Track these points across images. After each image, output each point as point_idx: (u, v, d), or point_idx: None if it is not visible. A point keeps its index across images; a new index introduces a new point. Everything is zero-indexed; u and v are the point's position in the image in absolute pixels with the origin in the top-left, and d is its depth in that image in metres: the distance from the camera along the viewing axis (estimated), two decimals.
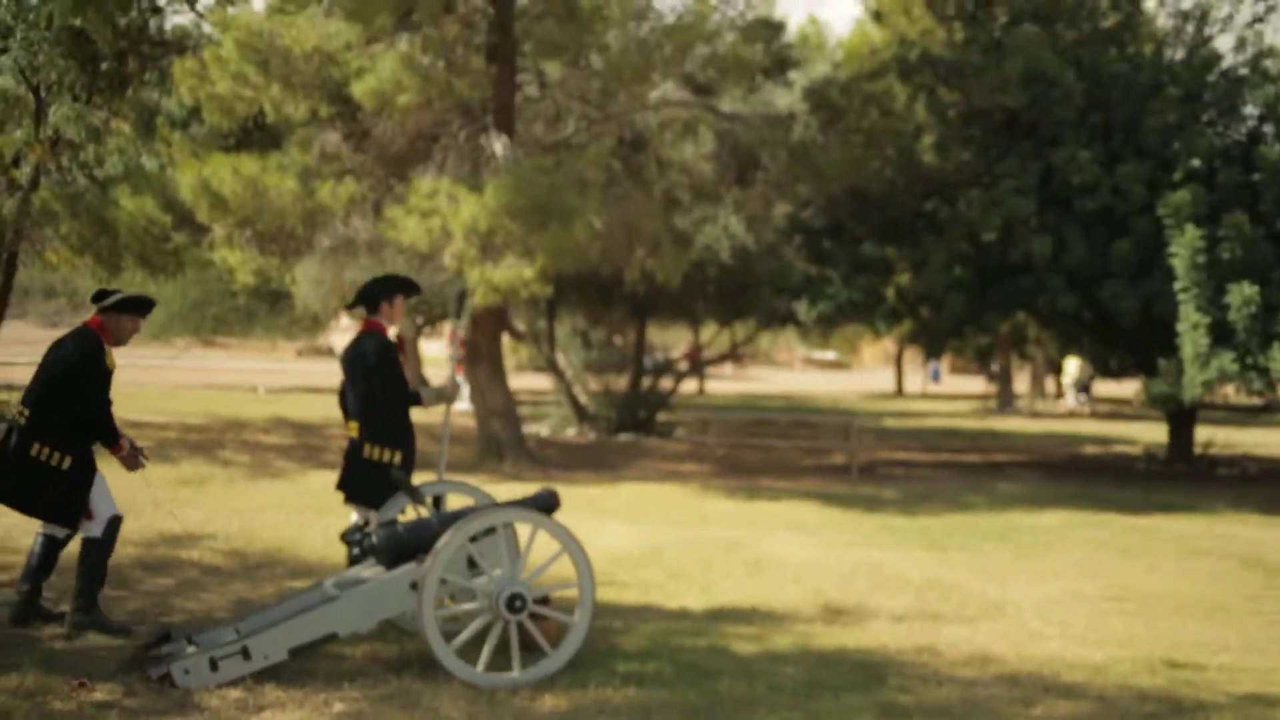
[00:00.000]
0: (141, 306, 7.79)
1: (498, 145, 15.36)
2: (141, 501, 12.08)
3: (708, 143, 19.05)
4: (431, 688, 6.33)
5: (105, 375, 7.51)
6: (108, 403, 7.51)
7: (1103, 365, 23.12)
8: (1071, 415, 35.83)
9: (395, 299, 8.08)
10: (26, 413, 7.41)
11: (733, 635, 7.85)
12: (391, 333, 8.31)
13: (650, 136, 19.03)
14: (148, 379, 31.76)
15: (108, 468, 7.81)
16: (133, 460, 7.72)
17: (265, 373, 41.86)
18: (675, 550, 10.89)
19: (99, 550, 7.48)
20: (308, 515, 11.94)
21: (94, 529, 7.51)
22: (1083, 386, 37.90)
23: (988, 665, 7.30)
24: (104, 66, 17.08)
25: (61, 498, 7.39)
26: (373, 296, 8.05)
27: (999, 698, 6.64)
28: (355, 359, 7.98)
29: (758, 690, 6.59)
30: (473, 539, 6.60)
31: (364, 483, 7.85)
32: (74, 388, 7.41)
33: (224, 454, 17.22)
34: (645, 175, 19.08)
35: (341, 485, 8.11)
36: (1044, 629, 8.35)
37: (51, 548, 7.54)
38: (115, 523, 7.57)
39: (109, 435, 7.52)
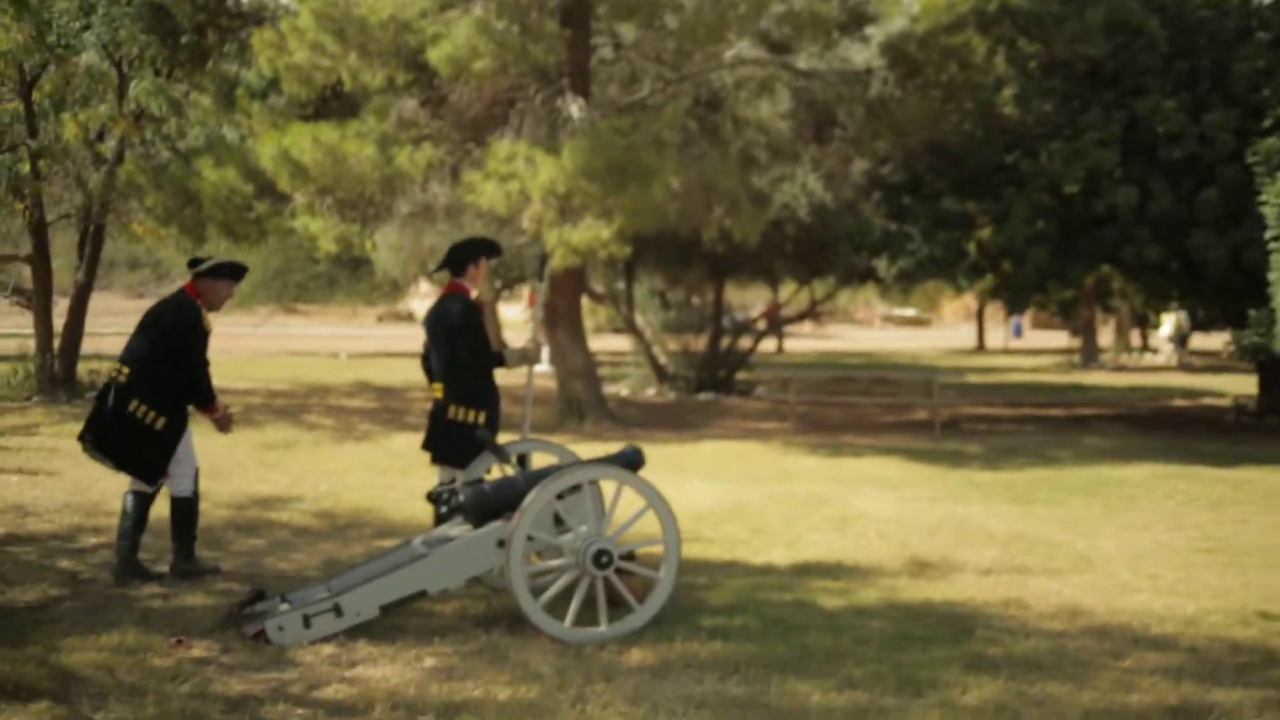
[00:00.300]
0: (236, 272, 8.03)
1: (574, 108, 15.34)
2: (230, 465, 12.33)
3: (784, 100, 18.85)
4: (520, 643, 6.39)
5: (205, 338, 7.78)
6: (206, 364, 7.76)
7: (1191, 317, 22.68)
8: (1168, 368, 35.19)
9: (480, 261, 8.15)
10: (126, 371, 7.67)
11: (818, 590, 7.83)
12: (472, 295, 8.38)
13: (726, 95, 18.89)
14: (232, 346, 32.27)
15: (199, 428, 8.00)
16: (225, 423, 7.95)
17: (346, 338, 42.32)
18: (759, 506, 10.88)
19: (190, 506, 7.83)
20: (393, 476, 12.09)
21: (182, 486, 7.80)
22: (1180, 340, 37.21)
23: (1076, 618, 7.23)
24: (184, 40, 17.32)
25: (151, 456, 7.68)
26: (458, 259, 8.11)
27: (1088, 650, 6.57)
28: (439, 321, 8.05)
29: (844, 644, 6.58)
30: (559, 496, 6.64)
31: (449, 443, 7.92)
32: (176, 350, 7.66)
33: (309, 418, 17.48)
34: (722, 134, 18.96)
35: (427, 445, 8.21)
36: (1133, 581, 8.24)
37: (142, 503, 7.80)
38: (196, 475, 7.91)
39: (207, 396, 7.78)
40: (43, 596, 7.22)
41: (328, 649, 6.26)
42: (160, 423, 7.63)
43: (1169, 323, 36.95)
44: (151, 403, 7.61)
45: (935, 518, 10.45)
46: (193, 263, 7.98)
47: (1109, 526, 10.32)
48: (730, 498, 11.35)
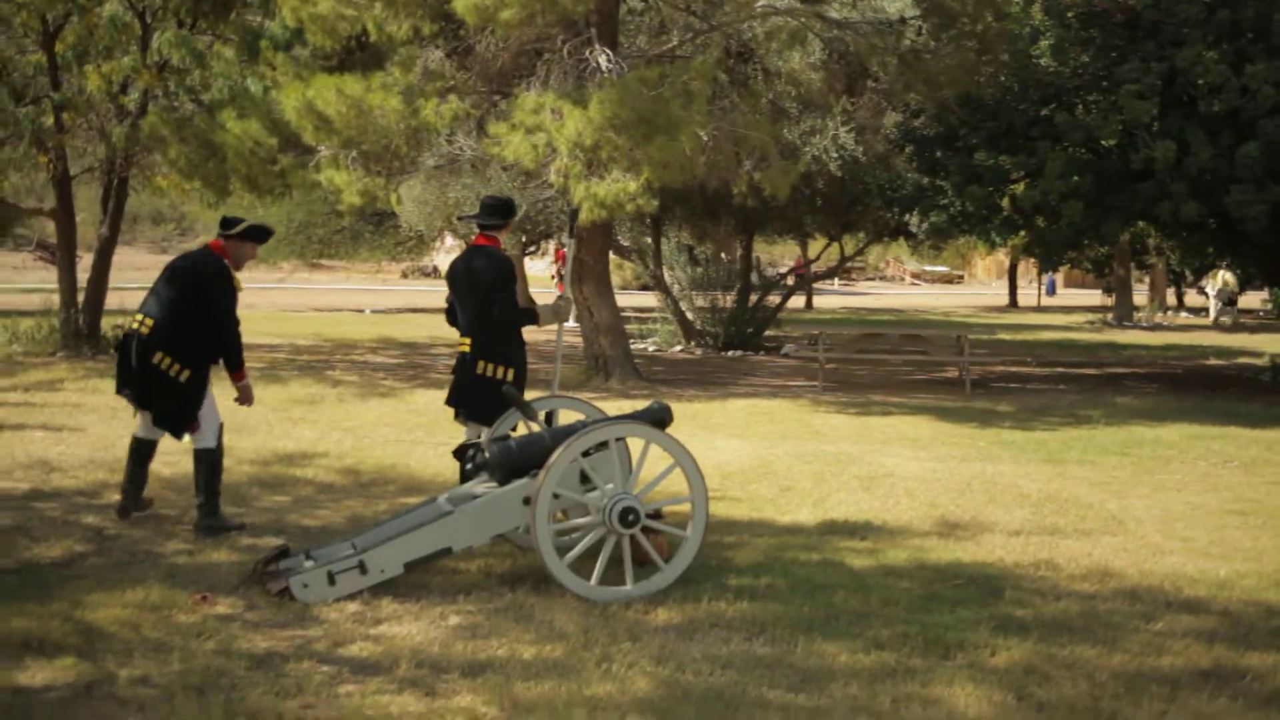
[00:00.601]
0: (263, 235, 8.16)
1: (602, 58, 15.15)
2: (256, 421, 12.31)
3: (815, 52, 18.57)
4: (545, 601, 6.36)
5: (234, 293, 7.82)
6: (237, 322, 7.80)
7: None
8: (1203, 327, 34.84)
9: (511, 221, 8.24)
10: (149, 322, 7.69)
11: (846, 549, 7.77)
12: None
13: (757, 46, 18.64)
14: (257, 301, 32.37)
15: (220, 388, 7.97)
16: (247, 394, 8.03)
17: (371, 294, 42.38)
18: (786, 465, 10.80)
19: (215, 459, 7.84)
20: (418, 433, 12.05)
21: (206, 439, 7.82)
22: (1229, 299, 36.84)
23: (1107, 579, 7.15)
24: None
25: (177, 408, 7.72)
26: (499, 213, 8.13)
27: (1119, 612, 6.50)
28: (468, 275, 8.00)
29: (872, 604, 6.52)
30: (585, 454, 6.57)
31: (477, 399, 7.89)
32: (203, 303, 7.68)
33: (333, 374, 17.48)
34: (752, 86, 18.72)
35: (453, 401, 8.16)
36: (1165, 543, 8.15)
37: (143, 448, 7.97)
38: (220, 430, 7.92)
39: (237, 358, 7.86)
40: (68, 552, 7.23)
41: (352, 606, 6.24)
42: (185, 375, 7.66)
43: (1219, 279, 36.58)
44: (176, 355, 7.63)
45: (965, 477, 10.34)
46: (226, 223, 8.00)
47: (1141, 487, 10.20)
48: (758, 456, 11.28)
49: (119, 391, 7.89)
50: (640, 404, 8.94)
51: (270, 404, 13.74)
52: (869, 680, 5.39)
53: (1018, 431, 13.41)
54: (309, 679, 5.26)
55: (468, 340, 8.01)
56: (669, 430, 7.06)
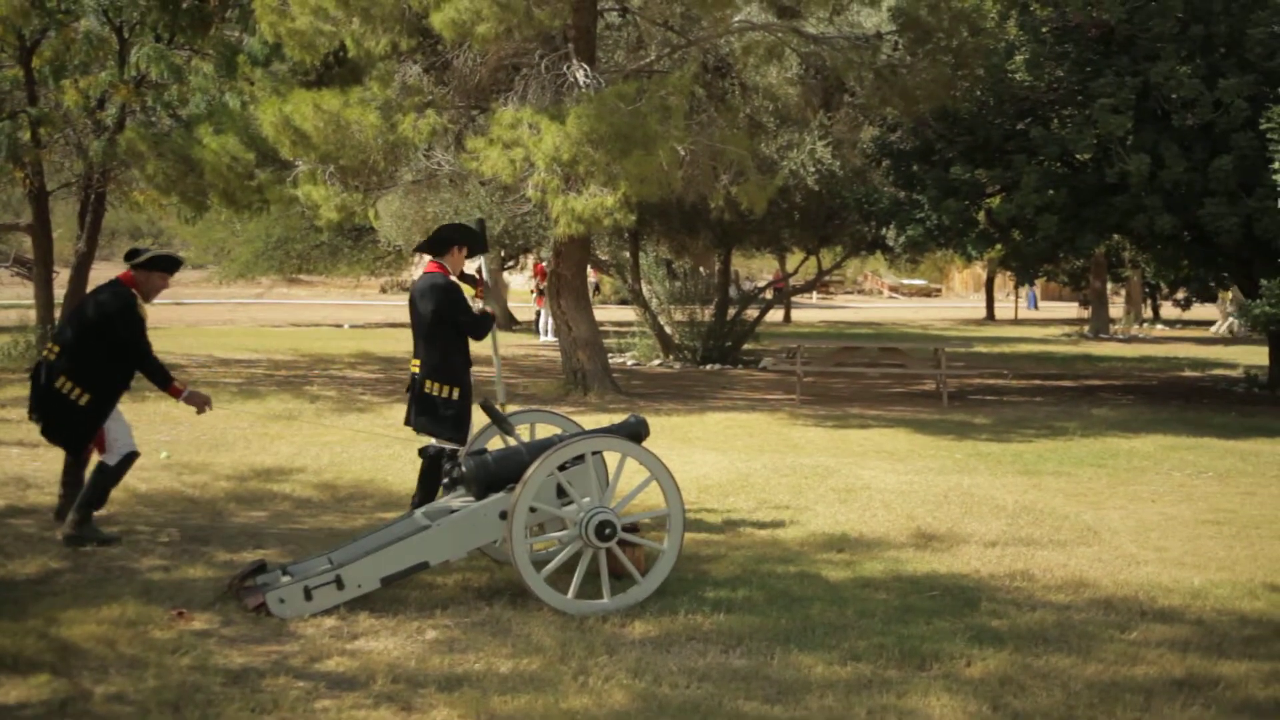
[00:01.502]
0: (171, 265, 8.37)
1: (579, 73, 15.19)
2: (233, 436, 12.28)
3: (793, 67, 18.66)
4: (522, 615, 6.37)
5: (142, 323, 8.03)
6: (149, 346, 8.01)
7: (1202, 287, 22.48)
8: (1178, 339, 34.98)
9: (463, 248, 8.41)
10: (56, 349, 8.00)
11: (823, 562, 7.80)
12: (471, 267, 8.55)
13: (734, 61, 18.70)
14: (234, 317, 32.26)
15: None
16: (198, 400, 8.11)
17: (349, 309, 42.29)
18: (764, 478, 10.83)
19: (107, 477, 7.97)
20: (395, 447, 12.03)
21: (109, 458, 7.98)
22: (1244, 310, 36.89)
23: (1082, 590, 7.19)
24: (185, 5, 17.16)
25: (72, 429, 7.94)
26: (442, 240, 8.36)
27: (1094, 622, 6.54)
28: (414, 301, 8.29)
29: (848, 616, 6.54)
30: (561, 467, 6.59)
31: (426, 416, 8.14)
32: (110, 335, 7.89)
33: (311, 389, 17.44)
34: (729, 101, 18.79)
35: (409, 420, 8.34)
36: (1140, 553, 8.20)
37: (74, 468, 8.19)
38: (130, 458, 8.04)
39: (163, 377, 8.03)
40: (43, 569, 7.21)
41: (329, 622, 6.24)
42: (84, 399, 7.85)
43: (1234, 292, 36.67)
44: (77, 380, 7.85)
45: (941, 489, 10.39)
46: (130, 254, 8.28)
47: (1116, 498, 10.26)
48: (736, 469, 11.30)
49: (30, 416, 8.13)
50: (618, 418, 8.96)
51: (248, 419, 13.72)
52: (845, 692, 5.41)
53: (994, 444, 13.47)
54: (285, 694, 5.25)
55: (417, 361, 8.25)
56: (647, 444, 7.08)
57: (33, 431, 12.17)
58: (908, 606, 6.75)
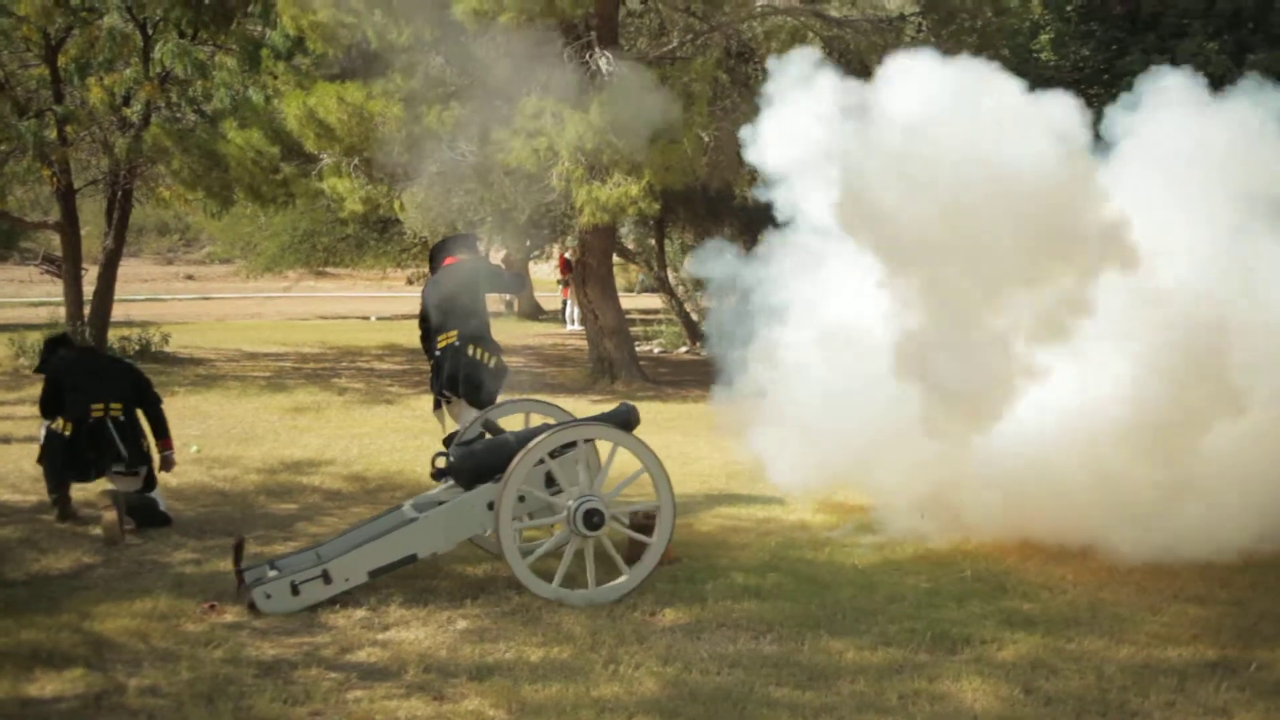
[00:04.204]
0: None
1: (602, 62, 15.16)
2: (262, 429, 12.34)
3: (816, 50, 18.57)
4: (552, 605, 6.36)
5: None
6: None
7: None
8: None
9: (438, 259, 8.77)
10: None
11: (852, 546, 7.76)
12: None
13: (757, 46, 18.62)
14: (262, 311, 32.37)
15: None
16: None
17: (376, 301, 42.36)
18: None
19: (151, 510, 8.30)
20: (424, 438, 12.04)
21: (162, 502, 8.46)
22: None
23: (1114, 572, 7.13)
24: (207, 1, 17.19)
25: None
26: (431, 255, 8.89)
27: (1125, 604, 6.50)
28: (471, 274, 8.48)
29: (878, 601, 6.52)
30: (551, 455, 6.53)
31: (470, 384, 8.24)
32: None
33: (339, 381, 17.48)
34: (753, 86, 18.70)
35: (449, 387, 8.33)
36: None
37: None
38: (166, 521, 8.31)
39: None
40: (76, 564, 7.26)
41: (360, 613, 6.25)
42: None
43: None
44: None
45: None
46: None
47: None
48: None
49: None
50: (642, 405, 8.93)
51: (277, 412, 13.76)
52: (876, 676, 5.39)
53: None
54: (317, 685, 5.27)
55: (450, 334, 8.30)
56: (652, 431, 7.01)
57: None
58: (938, 591, 6.73)
